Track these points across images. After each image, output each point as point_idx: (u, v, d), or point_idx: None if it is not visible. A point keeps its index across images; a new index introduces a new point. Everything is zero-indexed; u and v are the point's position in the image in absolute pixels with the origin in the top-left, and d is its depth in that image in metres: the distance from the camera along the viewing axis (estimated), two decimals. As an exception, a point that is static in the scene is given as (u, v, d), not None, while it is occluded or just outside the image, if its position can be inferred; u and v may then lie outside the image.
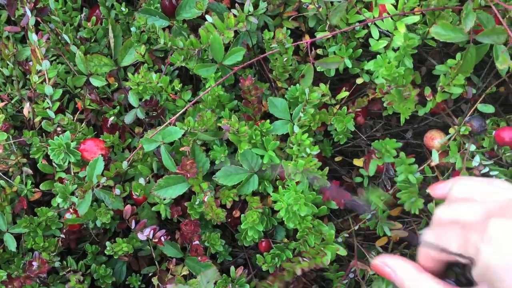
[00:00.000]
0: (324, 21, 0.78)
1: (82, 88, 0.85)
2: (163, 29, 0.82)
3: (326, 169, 0.76)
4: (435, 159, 0.75)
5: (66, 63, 0.85)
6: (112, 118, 0.82)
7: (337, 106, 0.80)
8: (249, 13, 0.78)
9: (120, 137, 0.84)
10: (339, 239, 0.78)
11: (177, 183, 0.79)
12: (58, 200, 0.74)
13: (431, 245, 0.51)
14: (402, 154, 0.73)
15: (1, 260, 0.80)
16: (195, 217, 0.79)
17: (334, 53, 0.77)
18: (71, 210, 0.77)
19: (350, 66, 0.76)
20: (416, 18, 0.71)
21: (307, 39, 0.80)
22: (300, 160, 0.72)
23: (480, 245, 0.46)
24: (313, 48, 0.79)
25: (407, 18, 0.71)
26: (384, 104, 0.71)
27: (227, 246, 0.87)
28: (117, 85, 0.86)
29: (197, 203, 0.78)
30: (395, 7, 0.72)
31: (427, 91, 0.73)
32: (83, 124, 0.82)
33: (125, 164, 0.78)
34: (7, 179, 0.80)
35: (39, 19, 0.82)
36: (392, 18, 0.71)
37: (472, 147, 0.74)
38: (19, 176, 0.80)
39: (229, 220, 0.85)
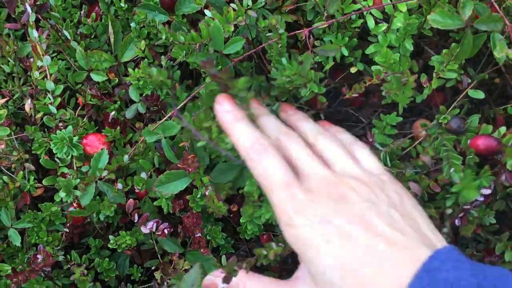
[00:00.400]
0: (322, 13, 0.79)
1: (82, 83, 0.86)
2: (163, 24, 0.82)
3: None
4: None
5: (66, 59, 0.86)
6: (113, 113, 0.83)
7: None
8: (248, 7, 0.79)
9: (121, 132, 0.85)
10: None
11: (178, 178, 0.80)
12: (61, 194, 0.75)
13: None
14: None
15: (5, 255, 0.81)
16: (197, 210, 0.80)
17: (331, 41, 0.78)
18: (74, 204, 0.77)
19: (346, 54, 0.77)
20: (413, 3, 0.72)
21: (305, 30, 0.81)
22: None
23: None
24: (311, 36, 0.80)
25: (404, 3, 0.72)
26: (383, 93, 0.72)
27: (229, 239, 0.87)
28: (117, 80, 0.86)
29: (198, 196, 0.79)
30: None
31: (423, 78, 0.74)
32: (85, 119, 0.83)
33: (126, 158, 0.78)
34: (11, 174, 0.81)
35: (39, 16, 0.83)
36: (391, 1, 0.72)
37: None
38: (21, 172, 0.81)
39: (231, 215, 0.86)
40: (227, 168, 0.79)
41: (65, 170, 0.80)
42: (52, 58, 0.80)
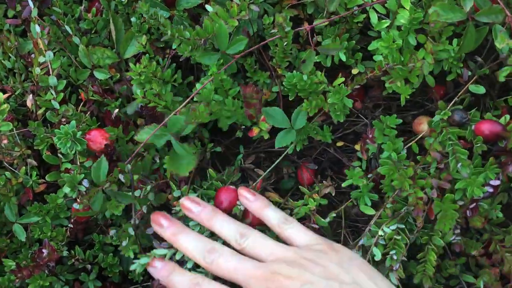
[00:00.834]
0: (323, 8, 0.79)
1: (85, 80, 0.86)
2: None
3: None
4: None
5: (67, 56, 0.86)
6: (116, 111, 0.83)
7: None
8: (250, 1, 0.79)
9: (123, 131, 0.85)
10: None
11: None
12: (65, 189, 0.74)
13: None
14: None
15: (8, 250, 0.81)
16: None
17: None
18: (78, 200, 0.77)
19: (344, 59, 0.78)
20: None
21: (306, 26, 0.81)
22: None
23: None
24: (314, 34, 0.81)
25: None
26: (386, 84, 0.73)
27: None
28: (118, 76, 0.86)
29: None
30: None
31: (421, 54, 0.74)
32: (87, 115, 0.83)
33: (128, 167, 0.78)
34: (13, 169, 0.80)
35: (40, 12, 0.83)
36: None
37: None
38: (24, 168, 0.81)
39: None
40: None
41: (69, 165, 0.79)
42: (54, 53, 0.80)
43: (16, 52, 0.85)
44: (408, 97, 0.73)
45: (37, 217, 0.78)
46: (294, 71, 0.77)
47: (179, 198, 0.78)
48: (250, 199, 0.75)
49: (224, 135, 0.89)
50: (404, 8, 0.72)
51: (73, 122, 0.75)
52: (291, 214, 0.81)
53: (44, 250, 0.72)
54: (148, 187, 0.78)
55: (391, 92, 0.78)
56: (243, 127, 0.84)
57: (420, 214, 0.74)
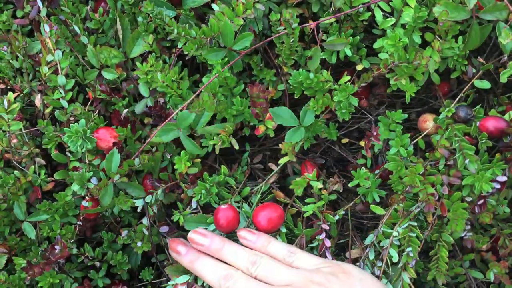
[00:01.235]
0: (328, 6, 0.80)
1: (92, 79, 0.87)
2: (170, 19, 0.83)
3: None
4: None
5: (75, 55, 0.86)
6: (125, 111, 0.83)
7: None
8: (256, 0, 0.80)
9: (131, 130, 0.85)
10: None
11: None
12: (74, 187, 0.75)
13: None
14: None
15: (18, 249, 0.81)
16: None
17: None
18: (87, 198, 0.78)
19: (349, 54, 0.78)
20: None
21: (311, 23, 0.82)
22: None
23: None
24: (320, 30, 0.81)
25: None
26: (391, 82, 0.73)
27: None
28: (125, 75, 0.87)
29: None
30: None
31: (428, 52, 0.75)
32: (95, 114, 0.83)
33: (137, 161, 0.79)
34: (22, 168, 0.81)
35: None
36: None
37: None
38: (32, 166, 0.81)
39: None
40: None
41: (77, 164, 0.80)
42: (62, 53, 0.81)
43: (24, 52, 0.85)
44: (413, 94, 0.74)
45: (46, 215, 0.79)
46: (300, 69, 0.78)
47: (192, 197, 0.81)
48: (251, 240, 0.76)
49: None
50: (409, 6, 0.73)
51: (83, 121, 0.76)
52: (298, 213, 0.82)
53: (56, 247, 0.72)
54: (159, 191, 0.79)
55: (395, 90, 0.78)
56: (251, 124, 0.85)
57: (431, 211, 0.74)
